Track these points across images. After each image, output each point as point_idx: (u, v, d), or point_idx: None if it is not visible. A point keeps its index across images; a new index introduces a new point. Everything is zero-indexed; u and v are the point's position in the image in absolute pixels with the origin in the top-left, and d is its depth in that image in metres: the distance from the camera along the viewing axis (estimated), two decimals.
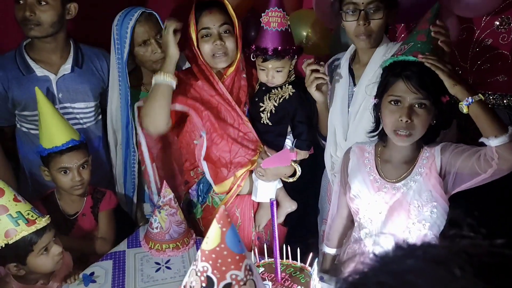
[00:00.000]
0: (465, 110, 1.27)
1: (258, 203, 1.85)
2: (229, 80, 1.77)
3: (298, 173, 1.76)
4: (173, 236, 1.67)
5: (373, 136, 1.51)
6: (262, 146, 1.79)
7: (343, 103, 1.72)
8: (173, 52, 1.66)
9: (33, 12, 1.76)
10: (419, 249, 0.50)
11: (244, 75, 1.81)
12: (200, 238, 1.79)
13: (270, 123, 1.77)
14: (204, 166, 1.78)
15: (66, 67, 1.93)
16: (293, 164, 1.73)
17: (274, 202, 1.29)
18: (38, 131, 1.74)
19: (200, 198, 1.88)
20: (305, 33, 2.20)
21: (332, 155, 1.80)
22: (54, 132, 1.66)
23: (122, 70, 1.89)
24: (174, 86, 1.67)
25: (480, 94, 1.25)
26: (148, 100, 1.70)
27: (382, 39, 1.63)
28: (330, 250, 1.70)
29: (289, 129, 1.82)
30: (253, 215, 1.86)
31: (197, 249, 1.70)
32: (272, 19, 1.62)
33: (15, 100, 1.88)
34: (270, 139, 1.80)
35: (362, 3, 1.54)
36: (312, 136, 1.80)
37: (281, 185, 1.82)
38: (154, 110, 1.68)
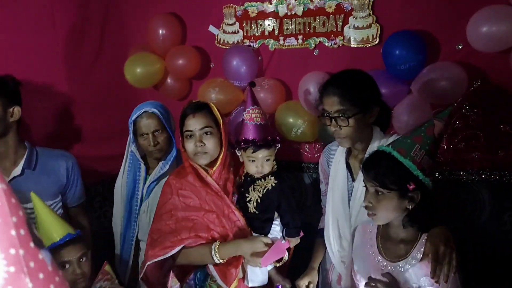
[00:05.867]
0: None
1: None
2: (216, 174, 1.85)
3: (285, 258, 1.78)
4: None
5: None
6: (251, 233, 1.82)
7: (344, 197, 1.78)
8: None
9: None
10: None
11: (231, 168, 1.90)
12: None
13: (257, 212, 1.82)
14: (213, 271, 1.81)
15: (16, 170, 1.97)
16: None
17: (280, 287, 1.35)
18: None
19: (198, 287, 1.88)
20: (293, 122, 2.40)
21: (339, 250, 1.80)
22: (50, 229, 1.71)
23: (131, 152, 2.17)
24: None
25: None
26: (191, 258, 1.82)
27: (370, 138, 1.71)
28: None
29: (276, 214, 1.85)
30: None
31: None
32: (254, 115, 1.79)
33: None
34: (258, 225, 1.83)
35: (330, 111, 1.65)
36: (300, 221, 1.83)
37: (272, 266, 1.82)
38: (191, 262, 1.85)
